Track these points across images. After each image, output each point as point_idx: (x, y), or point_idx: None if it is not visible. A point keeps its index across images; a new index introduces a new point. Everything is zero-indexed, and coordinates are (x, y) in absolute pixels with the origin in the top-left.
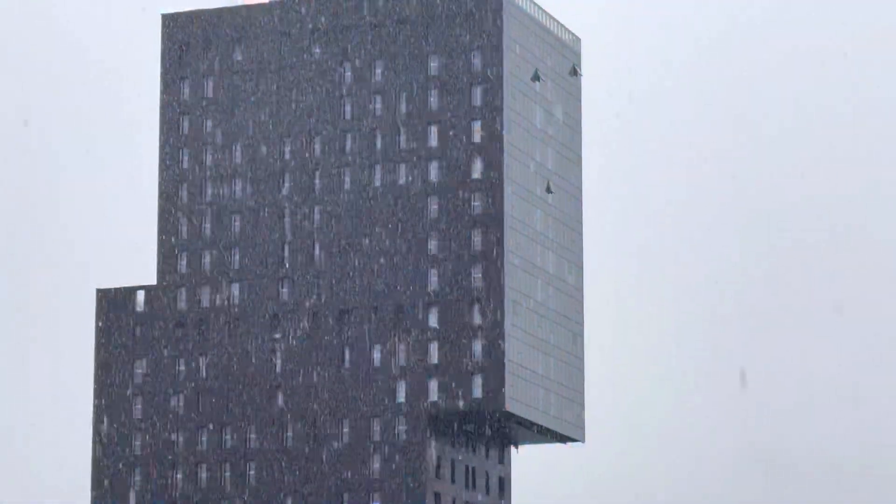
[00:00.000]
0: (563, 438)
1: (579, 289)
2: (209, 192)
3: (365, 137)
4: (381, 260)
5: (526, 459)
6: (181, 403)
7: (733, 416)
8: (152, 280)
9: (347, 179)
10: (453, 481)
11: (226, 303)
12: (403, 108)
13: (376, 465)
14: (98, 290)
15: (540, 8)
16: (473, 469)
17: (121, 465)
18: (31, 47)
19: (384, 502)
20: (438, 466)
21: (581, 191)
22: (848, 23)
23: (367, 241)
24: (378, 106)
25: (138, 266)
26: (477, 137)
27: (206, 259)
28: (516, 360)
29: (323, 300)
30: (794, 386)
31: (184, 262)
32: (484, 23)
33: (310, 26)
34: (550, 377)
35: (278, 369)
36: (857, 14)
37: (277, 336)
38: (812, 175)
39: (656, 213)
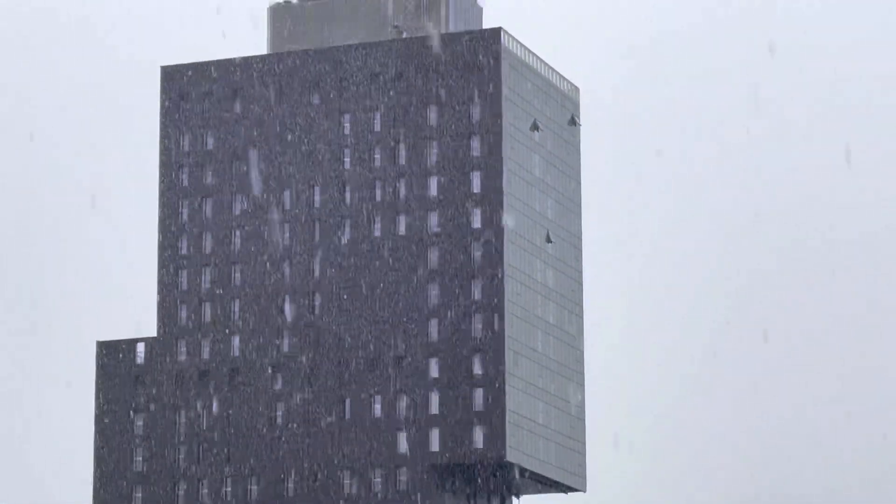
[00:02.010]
0: (565, 488)
1: (580, 338)
2: (209, 243)
3: (364, 188)
4: (382, 310)
5: None
6: (182, 455)
7: (734, 463)
8: (152, 332)
9: (347, 230)
10: None
11: (226, 354)
12: (403, 158)
13: None
14: (98, 343)
15: (538, 58)
16: None
17: None
18: (32, 99)
19: None
20: None
21: (581, 240)
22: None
23: (367, 291)
24: (377, 156)
25: (138, 318)
26: (476, 188)
27: (207, 311)
28: (517, 409)
29: (323, 351)
30: (796, 433)
31: (184, 314)
32: (483, 73)
33: (309, 77)
34: (551, 427)
35: (279, 420)
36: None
37: (278, 387)
38: (814, 222)
39: (657, 263)
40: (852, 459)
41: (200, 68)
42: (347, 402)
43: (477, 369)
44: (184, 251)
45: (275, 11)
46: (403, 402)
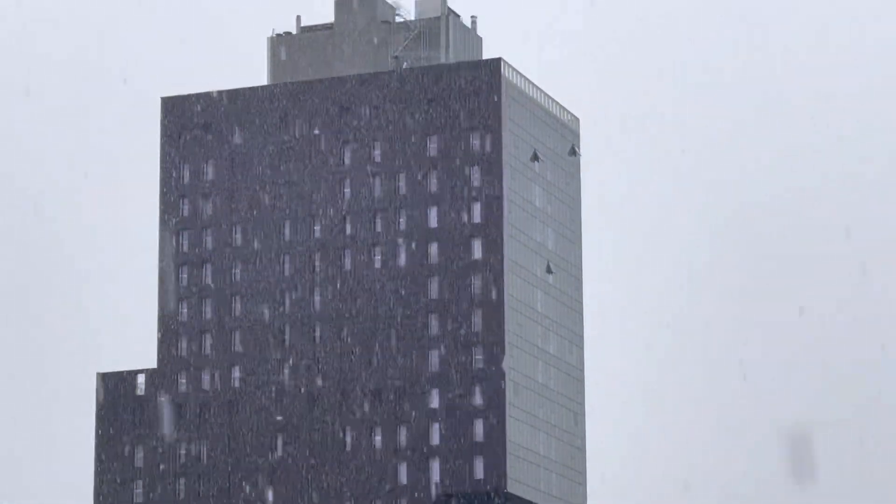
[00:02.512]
0: None
1: (580, 369)
2: (209, 274)
3: (365, 218)
4: (382, 341)
5: None
6: (182, 487)
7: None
8: (153, 363)
9: (348, 261)
10: None
11: (227, 385)
12: (403, 188)
13: None
14: (99, 374)
15: (539, 88)
16: None
17: None
18: (32, 129)
19: None
20: None
21: (581, 271)
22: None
23: (367, 322)
24: (378, 187)
25: (139, 349)
26: (477, 218)
27: (207, 342)
28: (518, 440)
29: (323, 382)
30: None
31: (184, 345)
32: (483, 103)
33: (309, 108)
34: (552, 458)
35: (280, 452)
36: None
37: (279, 419)
38: (813, 285)
39: (658, 294)
40: None
41: (201, 99)
42: (348, 432)
43: (478, 400)
44: (184, 282)
45: (275, 42)
46: (404, 433)
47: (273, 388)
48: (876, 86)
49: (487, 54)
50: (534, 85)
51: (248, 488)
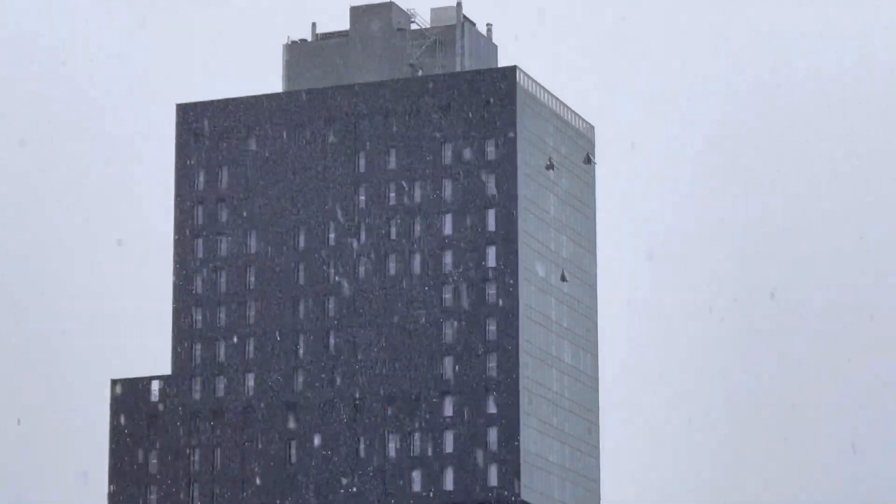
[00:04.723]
0: None
1: (594, 378)
2: (224, 281)
3: (379, 226)
4: (396, 349)
5: None
6: (196, 494)
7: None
8: (167, 370)
9: (362, 269)
10: None
11: (241, 392)
12: (417, 196)
13: None
14: (113, 381)
15: (553, 96)
16: None
17: None
18: (45, 140)
19: None
20: None
21: (596, 279)
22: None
23: (381, 330)
24: (392, 194)
25: (153, 356)
26: (491, 226)
27: (221, 349)
28: (532, 449)
29: (338, 389)
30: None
31: (199, 352)
32: (497, 111)
33: (324, 115)
34: (566, 466)
35: (293, 459)
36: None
37: (292, 425)
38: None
39: (672, 303)
40: None
41: (216, 106)
42: (362, 440)
43: (492, 408)
44: (199, 289)
45: (290, 49)
46: (418, 441)
47: (287, 395)
48: None
49: (503, 62)
50: (549, 93)
51: (261, 496)
